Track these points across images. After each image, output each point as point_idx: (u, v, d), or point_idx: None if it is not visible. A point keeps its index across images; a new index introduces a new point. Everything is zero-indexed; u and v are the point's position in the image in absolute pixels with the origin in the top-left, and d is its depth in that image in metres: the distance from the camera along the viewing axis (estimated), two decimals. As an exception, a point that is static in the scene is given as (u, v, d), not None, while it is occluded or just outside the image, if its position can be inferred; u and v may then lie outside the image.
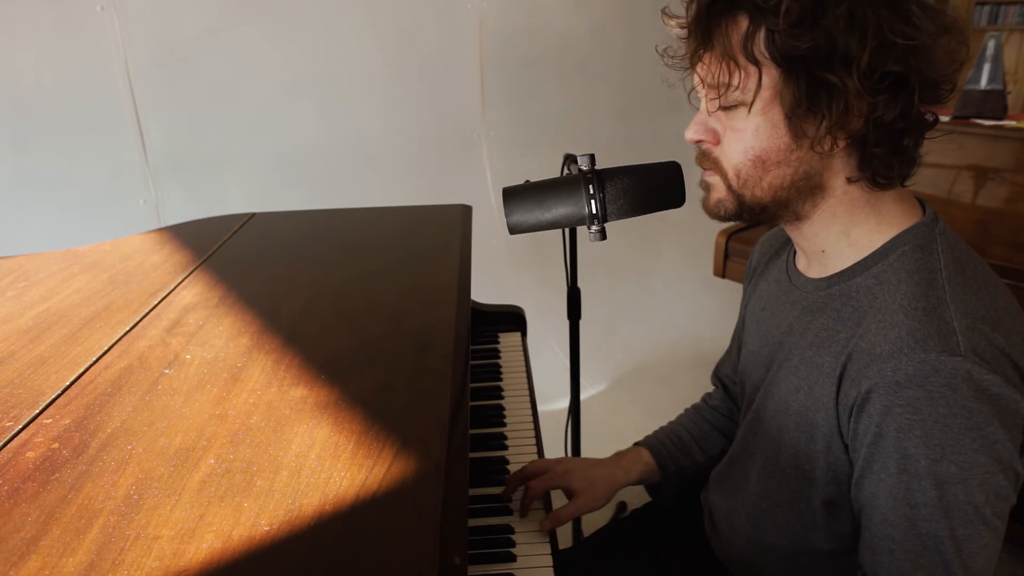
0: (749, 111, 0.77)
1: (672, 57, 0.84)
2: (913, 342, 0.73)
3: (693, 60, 0.80)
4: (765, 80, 0.75)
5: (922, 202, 0.85)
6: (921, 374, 0.71)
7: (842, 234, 0.83)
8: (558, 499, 1.08)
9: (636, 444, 1.18)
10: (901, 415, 0.72)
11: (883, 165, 0.78)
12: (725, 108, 0.79)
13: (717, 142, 0.82)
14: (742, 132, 0.79)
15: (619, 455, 1.16)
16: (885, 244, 0.81)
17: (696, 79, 0.82)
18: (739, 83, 0.76)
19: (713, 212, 0.86)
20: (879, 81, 0.72)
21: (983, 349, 0.72)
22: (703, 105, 0.82)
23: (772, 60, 0.74)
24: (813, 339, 0.85)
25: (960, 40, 0.75)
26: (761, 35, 0.74)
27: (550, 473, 1.08)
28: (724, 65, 0.76)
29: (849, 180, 0.80)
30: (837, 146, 0.77)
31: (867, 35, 0.71)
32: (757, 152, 0.79)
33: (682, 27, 0.81)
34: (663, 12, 0.84)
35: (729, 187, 0.83)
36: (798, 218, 0.84)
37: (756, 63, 0.75)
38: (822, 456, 0.83)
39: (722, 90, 0.77)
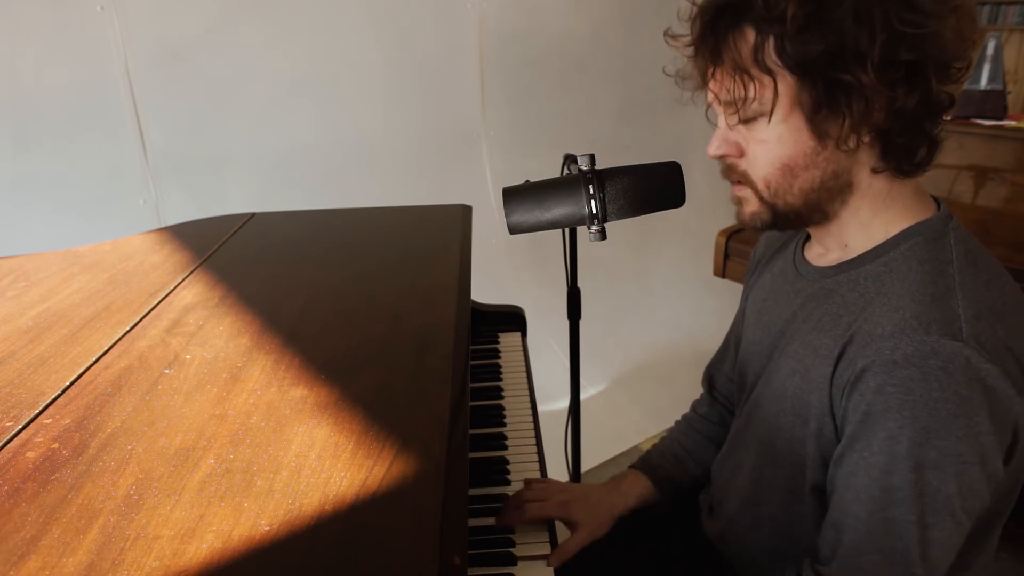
0: (769, 121, 0.77)
1: (684, 79, 0.83)
2: (916, 324, 0.73)
3: (705, 78, 0.80)
4: (781, 88, 0.75)
5: (937, 200, 0.85)
6: (920, 354, 0.71)
7: (864, 226, 0.84)
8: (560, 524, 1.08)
9: (631, 467, 1.18)
10: (893, 394, 0.72)
11: (908, 152, 0.78)
12: (745, 121, 0.79)
13: (741, 155, 0.82)
14: (766, 143, 0.79)
15: (617, 480, 1.16)
16: (898, 234, 0.82)
17: (710, 96, 0.82)
18: (755, 94, 0.76)
19: (750, 224, 0.86)
20: (894, 73, 0.72)
21: (986, 339, 0.72)
22: (721, 120, 0.82)
23: (785, 67, 0.74)
24: (815, 324, 0.85)
25: (969, 17, 0.75)
26: (770, 44, 0.74)
27: (549, 502, 1.07)
28: (738, 79, 0.76)
29: (874, 171, 0.80)
30: (862, 142, 0.77)
31: (876, 29, 0.70)
32: (784, 160, 0.79)
33: (687, 46, 0.81)
34: (666, 34, 0.84)
35: (761, 198, 0.83)
36: (827, 218, 0.84)
37: (769, 72, 0.74)
38: (813, 439, 0.83)
39: (739, 104, 0.77)
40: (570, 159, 1.14)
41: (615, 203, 0.91)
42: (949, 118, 2.14)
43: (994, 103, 2.12)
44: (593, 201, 0.90)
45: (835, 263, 0.86)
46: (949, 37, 0.73)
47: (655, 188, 0.92)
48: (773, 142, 0.78)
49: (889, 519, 0.74)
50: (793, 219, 0.84)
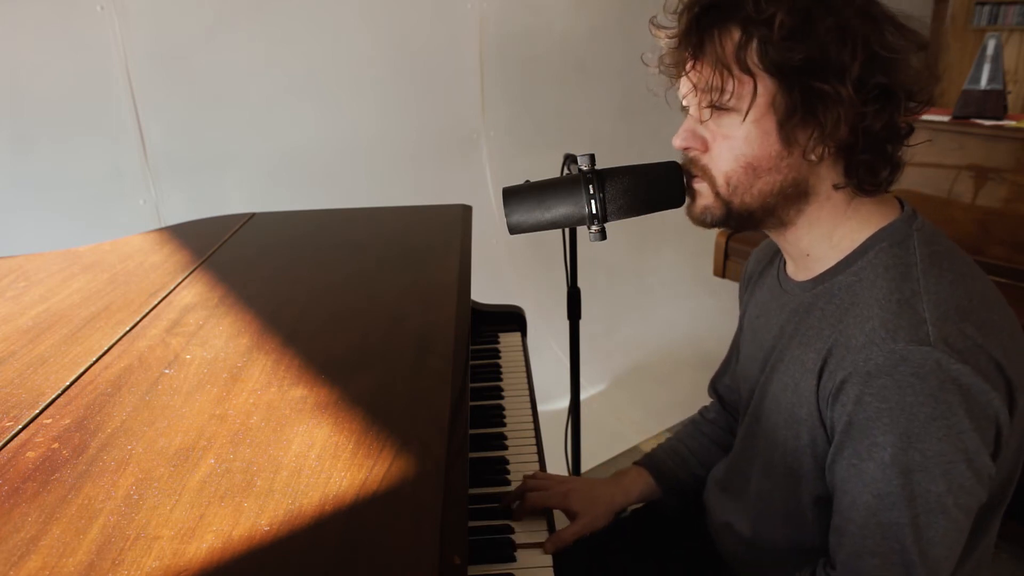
0: (744, 119, 0.78)
1: (663, 64, 0.85)
2: (884, 333, 0.74)
3: (683, 68, 0.81)
4: (760, 89, 0.76)
5: (901, 200, 0.87)
6: (890, 363, 0.73)
7: (825, 237, 0.85)
8: (559, 518, 1.08)
9: (635, 463, 1.18)
10: (871, 404, 0.74)
11: (869, 172, 0.80)
12: (719, 108, 0.79)
13: (705, 149, 0.83)
14: (733, 140, 0.80)
15: (619, 475, 1.16)
16: (864, 242, 0.83)
17: (686, 87, 0.83)
18: (732, 90, 0.77)
19: (699, 219, 0.87)
20: (869, 92, 0.75)
21: (954, 339, 0.73)
22: (692, 111, 0.83)
23: (766, 71, 0.76)
24: (801, 339, 0.87)
25: (934, 59, 0.79)
26: (754, 46, 0.75)
27: (550, 492, 1.08)
28: (717, 72, 0.77)
29: (835, 187, 0.81)
30: (827, 155, 0.78)
31: (856, 47, 0.73)
32: (748, 159, 0.80)
33: (671, 37, 0.82)
34: (651, 23, 0.85)
35: (717, 194, 0.84)
36: (783, 224, 0.86)
37: (750, 73, 0.76)
38: (808, 451, 0.85)
39: (715, 94, 0.78)
40: (570, 159, 1.14)
41: (615, 203, 0.91)
42: (943, 128, 2.14)
43: (994, 103, 2.12)
44: (593, 201, 0.90)
45: (812, 276, 0.88)
46: (918, 69, 0.77)
47: (655, 188, 0.92)
48: (740, 140, 0.80)
49: (883, 523, 0.76)
50: (746, 219, 0.85)
